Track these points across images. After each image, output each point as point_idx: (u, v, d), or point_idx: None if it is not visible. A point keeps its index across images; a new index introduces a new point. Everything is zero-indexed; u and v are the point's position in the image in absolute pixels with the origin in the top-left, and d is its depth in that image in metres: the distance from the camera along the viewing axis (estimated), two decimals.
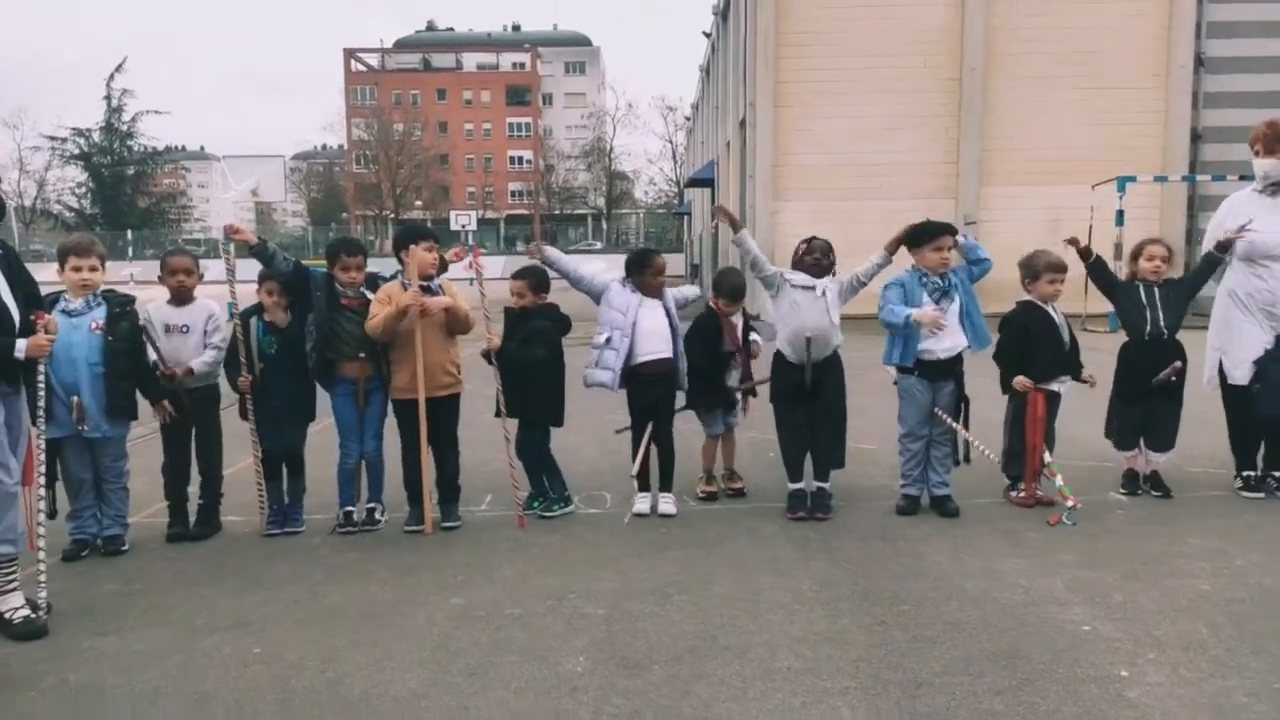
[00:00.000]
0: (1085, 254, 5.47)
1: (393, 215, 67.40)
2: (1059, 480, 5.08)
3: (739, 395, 5.65)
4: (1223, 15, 18.99)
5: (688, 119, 55.22)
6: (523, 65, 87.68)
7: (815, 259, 5.16)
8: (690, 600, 4.03)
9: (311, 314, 5.06)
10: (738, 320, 5.64)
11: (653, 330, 5.33)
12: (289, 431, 5.20)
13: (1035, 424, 5.18)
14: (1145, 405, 5.43)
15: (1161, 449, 5.48)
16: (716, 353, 5.54)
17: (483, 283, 5.23)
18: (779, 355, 5.30)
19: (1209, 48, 19.05)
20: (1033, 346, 5.23)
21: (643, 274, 5.39)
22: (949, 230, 5.24)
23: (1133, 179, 15.74)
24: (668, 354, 5.36)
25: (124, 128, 56.29)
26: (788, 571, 4.37)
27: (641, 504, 5.37)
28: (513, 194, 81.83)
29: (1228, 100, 18.55)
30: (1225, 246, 5.38)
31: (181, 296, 5.09)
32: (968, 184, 18.55)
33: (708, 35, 32.95)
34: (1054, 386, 5.29)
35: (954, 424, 5.17)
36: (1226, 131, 19.44)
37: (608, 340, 5.28)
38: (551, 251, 5.51)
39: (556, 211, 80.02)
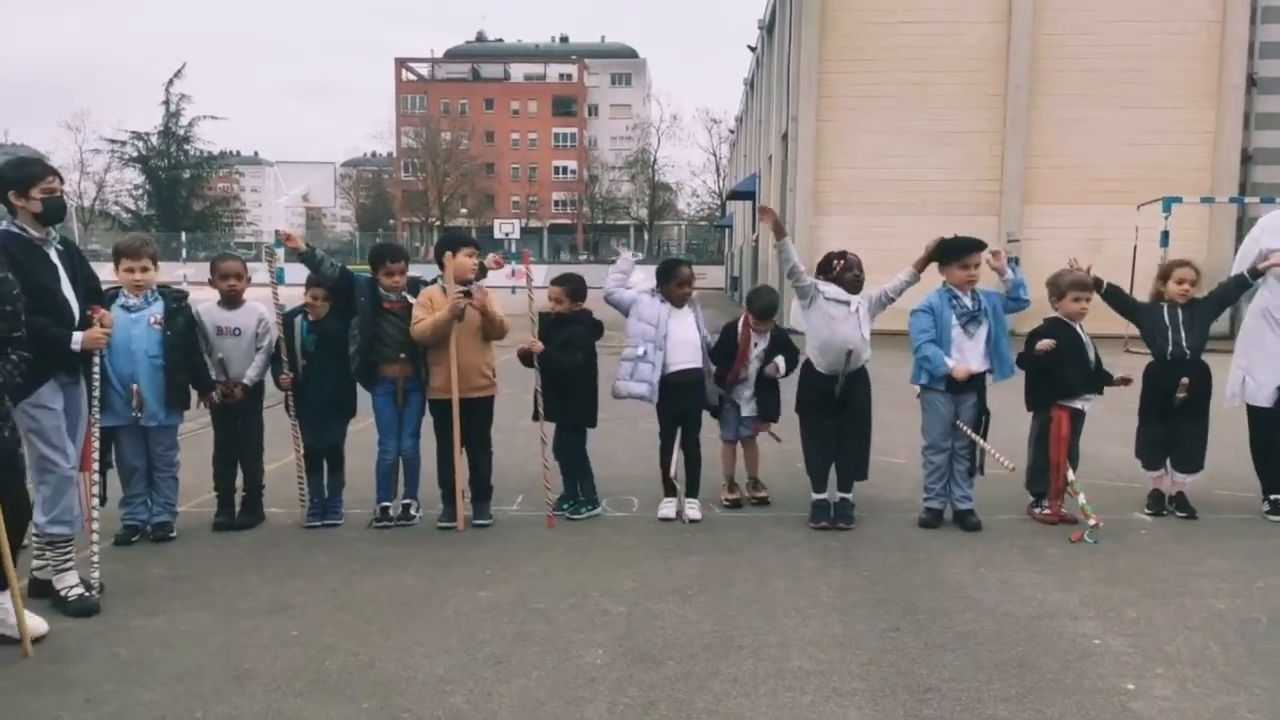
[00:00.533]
0: (1096, 285, 5.49)
1: (438, 222, 68.30)
2: (1081, 498, 5.12)
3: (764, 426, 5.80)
4: (1276, 36, 18.73)
5: (731, 132, 55.37)
6: (569, 76, 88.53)
7: (855, 275, 5.26)
8: (709, 601, 4.15)
9: (355, 318, 5.27)
10: (763, 339, 5.74)
11: (683, 339, 5.47)
12: (330, 428, 5.41)
13: (1059, 441, 5.23)
14: (1169, 425, 5.45)
15: (1188, 470, 5.48)
16: (728, 359, 5.68)
17: (532, 288, 5.43)
18: (808, 365, 5.41)
19: (1262, 68, 18.79)
20: (1059, 363, 5.26)
21: (667, 283, 5.54)
22: (977, 247, 5.31)
23: (1179, 200, 15.56)
24: (697, 364, 5.49)
25: (181, 132, 57.76)
26: (806, 578, 4.47)
27: (667, 509, 5.50)
28: (556, 203, 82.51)
29: None
30: (1259, 273, 5.36)
31: (232, 300, 5.33)
32: (1011, 201, 18.48)
33: (753, 49, 33.11)
34: (1078, 404, 5.33)
35: (973, 434, 5.23)
36: (1279, 153, 19.14)
37: (643, 354, 5.42)
38: (628, 262, 5.75)
39: (599, 222, 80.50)
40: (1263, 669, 3.46)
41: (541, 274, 5.75)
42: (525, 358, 5.46)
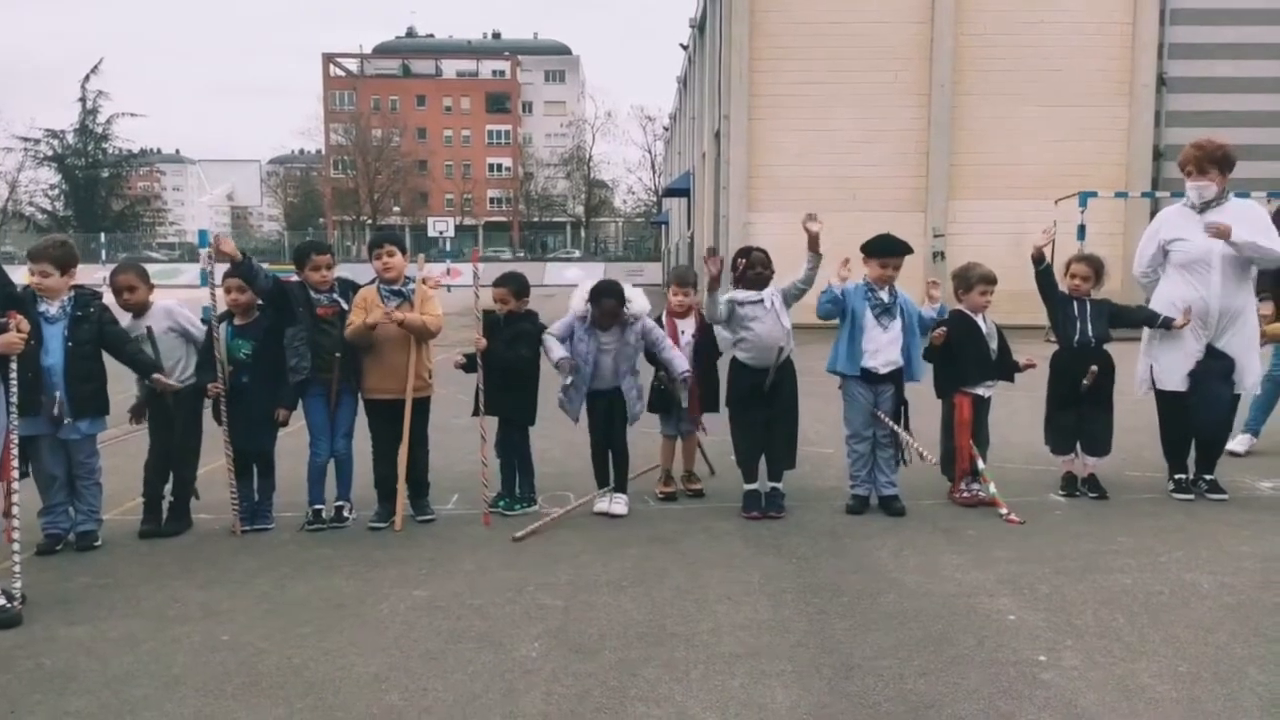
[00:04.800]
0: (1038, 260, 5.73)
1: (370, 221, 67.27)
2: (991, 487, 5.37)
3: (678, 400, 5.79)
4: (1185, 37, 19.53)
5: (666, 129, 55.64)
6: (502, 73, 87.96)
7: (757, 273, 5.38)
8: (643, 592, 4.23)
9: (291, 329, 5.21)
10: (690, 324, 5.83)
11: (604, 369, 5.50)
12: (261, 434, 5.32)
13: (962, 426, 5.49)
14: (1075, 411, 5.72)
15: (1097, 454, 5.76)
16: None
17: (478, 286, 5.48)
18: (736, 361, 5.53)
19: (1171, 68, 19.58)
20: (959, 353, 5.52)
21: (594, 307, 5.46)
22: (901, 250, 5.47)
23: (1094, 194, 16.14)
24: (614, 385, 5.53)
25: (99, 130, 55.90)
26: (738, 566, 4.58)
27: (602, 503, 5.57)
28: (491, 201, 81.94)
29: (1189, 119, 19.05)
30: (1169, 324, 5.57)
31: (133, 309, 5.22)
32: (936, 197, 18.94)
33: (685, 47, 33.33)
34: (979, 391, 5.58)
35: (894, 426, 5.42)
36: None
37: (570, 382, 5.47)
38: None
39: (535, 219, 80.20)
40: (1163, 638, 3.67)
41: (480, 271, 5.76)
42: (466, 365, 5.50)
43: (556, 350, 5.47)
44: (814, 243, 5.29)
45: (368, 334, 5.16)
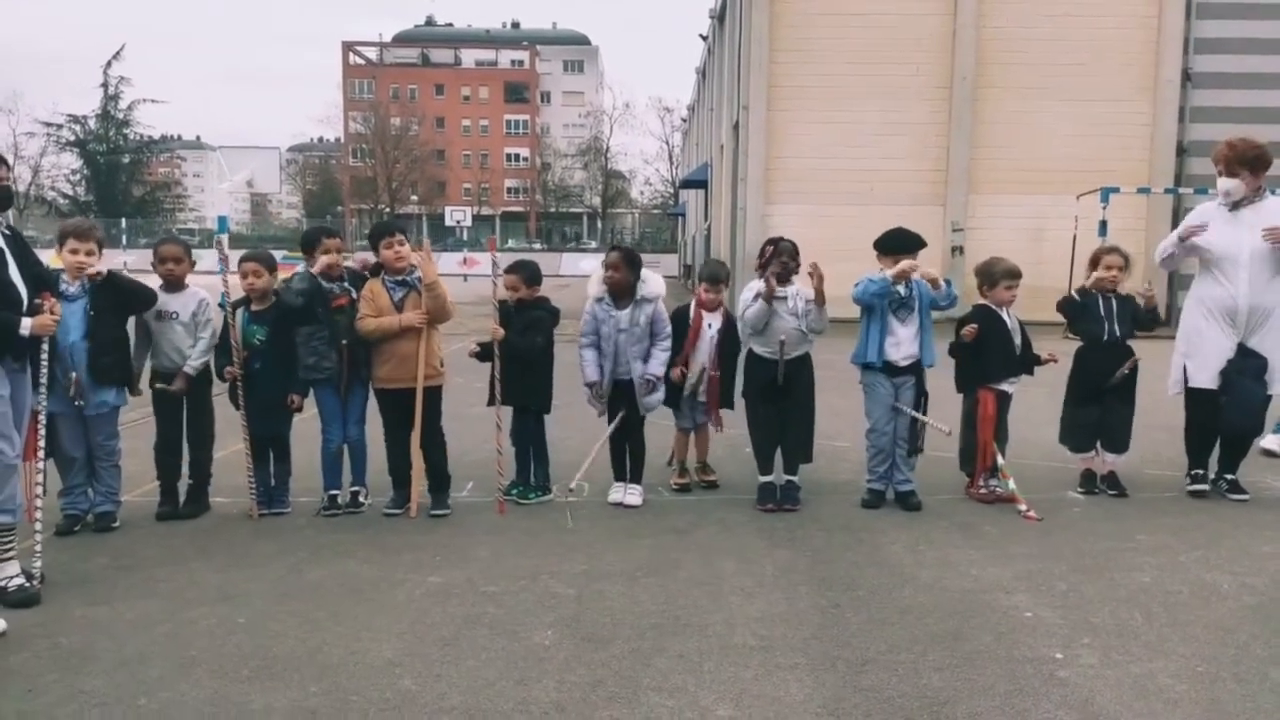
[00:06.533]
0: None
1: (388, 209, 67.44)
2: (1011, 483, 5.32)
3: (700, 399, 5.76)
4: (1210, 32, 19.26)
5: (684, 120, 55.48)
6: (521, 63, 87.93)
7: (784, 262, 5.34)
8: (657, 582, 4.22)
9: (308, 328, 5.23)
10: (716, 318, 5.81)
11: (622, 346, 5.48)
12: (276, 419, 5.35)
13: (986, 421, 5.45)
14: (1099, 407, 5.67)
15: (1117, 450, 5.70)
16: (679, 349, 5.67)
17: (496, 275, 5.47)
18: (752, 353, 5.51)
19: (1196, 63, 19.32)
20: (984, 349, 5.47)
21: (603, 268, 5.51)
22: (915, 245, 5.42)
23: (1116, 190, 15.98)
24: (625, 376, 5.52)
25: (120, 115, 56.20)
26: (752, 558, 4.56)
27: (617, 493, 5.56)
28: (509, 191, 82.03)
29: (1214, 115, 18.80)
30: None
31: (171, 284, 5.26)
32: (956, 191, 18.80)
33: (704, 38, 33.20)
34: (1004, 386, 5.54)
35: (912, 412, 5.38)
36: (1212, 146, 19.68)
37: (592, 345, 5.48)
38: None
39: (552, 209, 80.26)
40: (1182, 637, 3.63)
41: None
42: (481, 354, 5.49)
43: (591, 371, 5.49)
44: (820, 295, 5.25)
45: (392, 332, 5.19)
